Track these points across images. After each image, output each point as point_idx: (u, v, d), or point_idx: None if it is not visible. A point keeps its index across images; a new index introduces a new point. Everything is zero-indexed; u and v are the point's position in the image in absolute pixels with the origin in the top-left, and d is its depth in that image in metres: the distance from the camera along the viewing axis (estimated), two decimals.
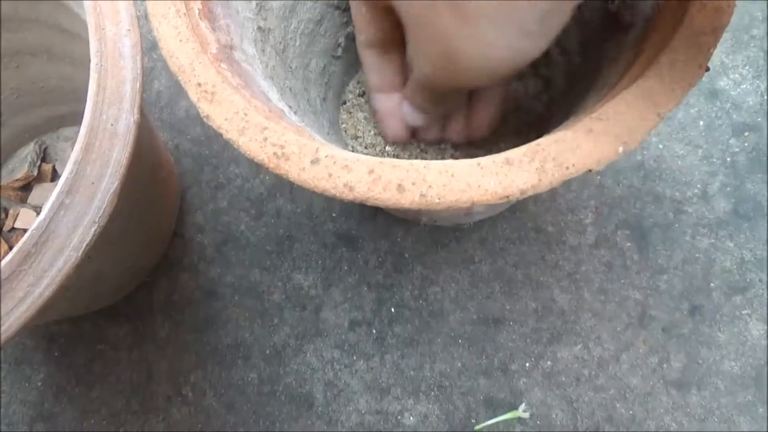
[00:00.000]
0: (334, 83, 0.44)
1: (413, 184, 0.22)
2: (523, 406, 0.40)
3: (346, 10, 0.41)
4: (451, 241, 0.44)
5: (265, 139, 0.23)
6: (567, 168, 0.21)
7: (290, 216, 0.46)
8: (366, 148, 0.43)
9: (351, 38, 0.43)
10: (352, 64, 0.45)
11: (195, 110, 0.25)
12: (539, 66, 0.42)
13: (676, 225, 0.44)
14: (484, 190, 0.21)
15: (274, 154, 0.23)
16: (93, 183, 0.27)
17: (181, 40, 0.26)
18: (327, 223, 0.46)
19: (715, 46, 0.23)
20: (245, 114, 0.24)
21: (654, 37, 0.26)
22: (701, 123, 0.46)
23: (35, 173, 0.47)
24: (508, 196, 0.21)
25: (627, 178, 0.45)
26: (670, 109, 0.22)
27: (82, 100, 0.29)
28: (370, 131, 0.43)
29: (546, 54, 0.41)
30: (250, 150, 0.23)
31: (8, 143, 0.47)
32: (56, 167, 0.48)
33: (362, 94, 0.45)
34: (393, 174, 0.22)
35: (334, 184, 0.22)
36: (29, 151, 0.47)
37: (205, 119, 0.25)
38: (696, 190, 0.44)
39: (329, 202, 0.46)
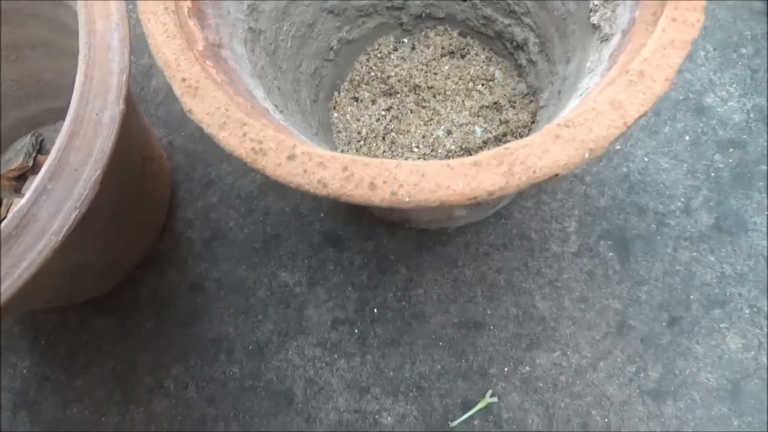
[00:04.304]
0: (326, 85, 0.45)
1: (384, 182, 0.22)
2: (490, 392, 0.41)
3: (339, 14, 0.42)
4: (435, 244, 0.45)
5: (245, 134, 0.24)
6: (534, 172, 0.22)
7: (278, 214, 0.47)
8: (349, 142, 0.44)
9: (343, 42, 0.44)
10: (344, 67, 0.46)
11: None
12: (528, 74, 0.43)
13: (659, 237, 0.44)
14: (452, 191, 0.22)
15: (252, 149, 0.24)
16: (76, 170, 0.28)
17: (168, 36, 0.26)
18: (314, 223, 0.46)
19: (682, 59, 0.23)
20: (227, 110, 0.25)
21: (628, 47, 0.26)
22: (687, 138, 0.46)
23: (30, 164, 0.47)
24: (476, 197, 0.22)
25: (612, 189, 0.46)
26: (637, 118, 0.23)
27: None
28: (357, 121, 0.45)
29: (532, 63, 0.42)
30: (230, 144, 0.24)
31: (7, 134, 0.48)
32: None
33: (350, 90, 0.46)
34: (365, 172, 0.23)
35: (309, 180, 0.23)
36: (26, 142, 0.48)
37: (188, 113, 0.25)
38: (679, 204, 0.45)
39: (317, 201, 0.47)
